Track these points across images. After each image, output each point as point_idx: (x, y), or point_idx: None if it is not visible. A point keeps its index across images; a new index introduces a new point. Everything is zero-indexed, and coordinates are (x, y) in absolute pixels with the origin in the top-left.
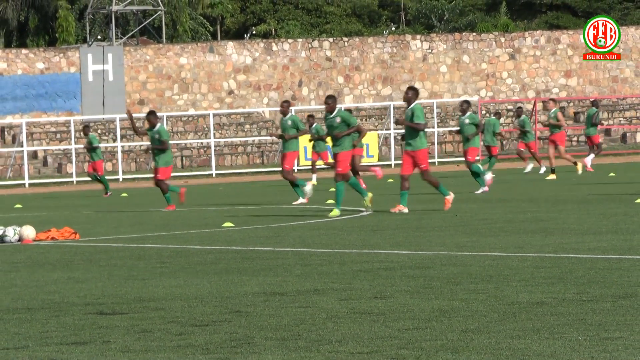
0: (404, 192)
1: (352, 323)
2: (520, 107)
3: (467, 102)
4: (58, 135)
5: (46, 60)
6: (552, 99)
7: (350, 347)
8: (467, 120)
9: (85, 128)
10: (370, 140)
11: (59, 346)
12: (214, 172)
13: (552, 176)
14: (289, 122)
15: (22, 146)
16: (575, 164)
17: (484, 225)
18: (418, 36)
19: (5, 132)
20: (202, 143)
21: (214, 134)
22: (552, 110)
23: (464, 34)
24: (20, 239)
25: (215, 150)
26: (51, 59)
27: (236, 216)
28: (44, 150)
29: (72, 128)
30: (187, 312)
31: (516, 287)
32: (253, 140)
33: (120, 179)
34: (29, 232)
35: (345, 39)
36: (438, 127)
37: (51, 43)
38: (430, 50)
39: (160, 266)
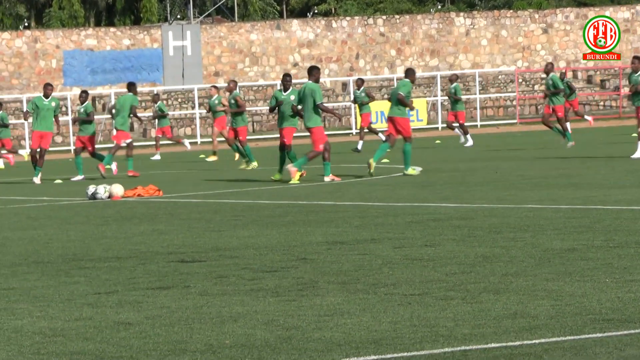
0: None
1: (405, 268)
2: None
3: (551, 64)
4: (143, 104)
5: (132, 37)
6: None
7: (404, 289)
8: (550, 81)
9: (155, 96)
10: (420, 106)
11: (145, 290)
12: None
13: (214, 157)
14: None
15: (111, 114)
16: (215, 153)
17: (521, 181)
18: (461, 13)
19: (96, 102)
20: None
21: None
22: (215, 97)
23: (502, 11)
24: (110, 196)
25: None
26: (136, 36)
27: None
28: (130, 117)
29: None
30: (259, 259)
31: (550, 235)
32: None
33: (199, 142)
34: (117, 189)
35: (397, 16)
36: (480, 94)
37: (136, 22)
38: (472, 26)
39: (234, 219)
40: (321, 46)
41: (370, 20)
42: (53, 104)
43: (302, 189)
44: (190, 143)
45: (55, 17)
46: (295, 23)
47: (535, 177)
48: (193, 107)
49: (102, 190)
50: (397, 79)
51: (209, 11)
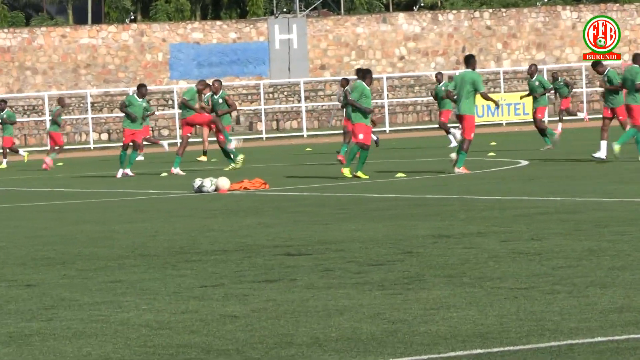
0: None
1: (511, 262)
2: None
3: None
4: (249, 97)
5: (238, 30)
6: (217, 80)
7: (510, 283)
8: (536, 83)
9: (2, 103)
10: (526, 100)
11: (251, 284)
12: (387, 128)
13: (203, 158)
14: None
15: (340, 101)
16: (205, 153)
17: (628, 175)
18: (568, 7)
19: (202, 95)
20: (376, 103)
21: (387, 94)
22: (207, 95)
23: (608, 4)
24: (216, 189)
25: (388, 109)
26: (242, 30)
27: (407, 168)
28: (237, 110)
29: (261, 90)
30: (364, 252)
31: None
32: (422, 101)
33: (305, 135)
34: (224, 182)
35: (503, 10)
36: (586, 87)
37: (242, 15)
38: (578, 19)
39: (340, 212)
40: (427, 39)
41: (477, 14)
42: (144, 104)
43: (407, 182)
44: (297, 137)
45: (162, 10)
46: (401, 16)
47: None
48: (299, 101)
49: (209, 184)
50: (502, 72)
51: (315, 4)
